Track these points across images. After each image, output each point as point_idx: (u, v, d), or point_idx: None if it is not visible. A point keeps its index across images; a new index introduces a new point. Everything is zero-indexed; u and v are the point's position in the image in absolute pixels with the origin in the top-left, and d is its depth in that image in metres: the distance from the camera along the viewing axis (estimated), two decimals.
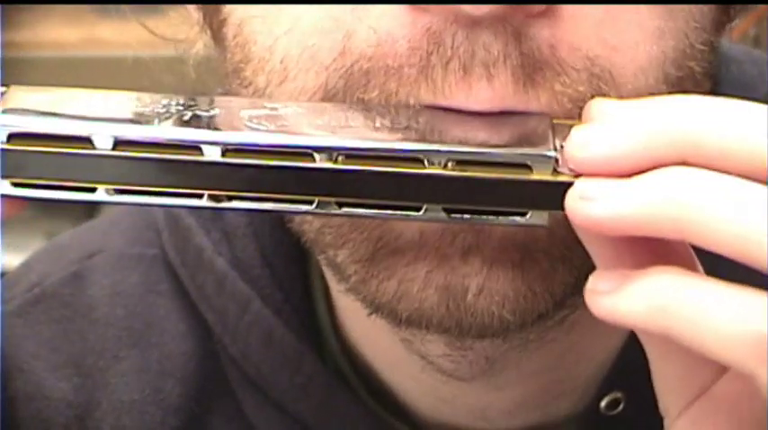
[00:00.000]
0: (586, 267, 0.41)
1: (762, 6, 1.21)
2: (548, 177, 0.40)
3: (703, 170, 0.37)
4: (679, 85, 0.45)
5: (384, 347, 0.58)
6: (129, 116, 0.42)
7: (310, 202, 0.42)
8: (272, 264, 0.60)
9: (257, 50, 0.46)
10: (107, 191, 0.42)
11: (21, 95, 0.42)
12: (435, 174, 0.41)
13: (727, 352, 0.35)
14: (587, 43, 0.43)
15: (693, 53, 0.46)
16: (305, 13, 0.44)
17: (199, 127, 0.41)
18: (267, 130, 0.41)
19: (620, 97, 0.41)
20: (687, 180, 0.37)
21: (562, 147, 0.40)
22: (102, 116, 0.42)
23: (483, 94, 0.42)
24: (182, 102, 0.43)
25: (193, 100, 0.43)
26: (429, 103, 0.43)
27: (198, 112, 0.42)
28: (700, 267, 0.40)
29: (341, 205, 0.42)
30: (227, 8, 0.49)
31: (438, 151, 0.41)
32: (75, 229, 0.69)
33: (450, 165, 0.41)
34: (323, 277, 0.60)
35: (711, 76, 0.49)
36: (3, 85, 0.43)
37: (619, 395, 0.57)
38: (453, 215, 0.42)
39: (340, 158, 0.41)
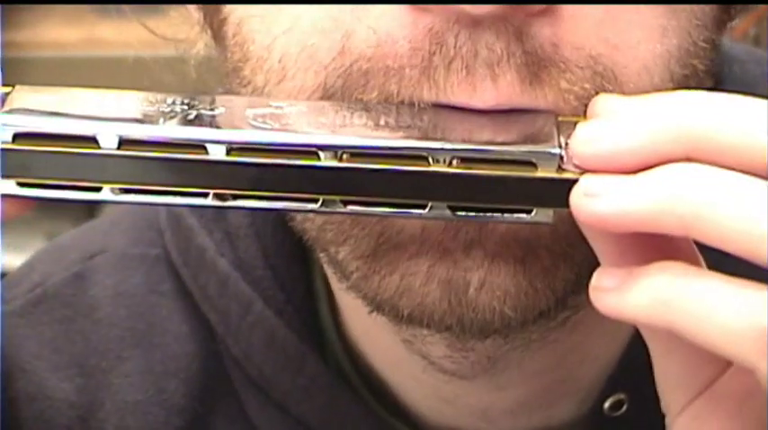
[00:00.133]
0: (588, 264, 0.41)
1: (762, 6, 1.21)
2: (552, 174, 0.40)
3: (708, 166, 0.37)
4: (685, 83, 0.45)
5: (385, 347, 0.58)
6: (134, 115, 0.42)
7: (315, 201, 0.42)
8: (274, 265, 0.60)
9: (255, 49, 0.46)
10: (112, 190, 0.42)
11: (25, 95, 0.42)
12: (440, 172, 0.41)
13: (730, 345, 0.36)
14: (589, 42, 0.43)
15: (697, 51, 0.46)
16: (304, 13, 0.44)
17: (203, 126, 0.41)
18: (272, 129, 0.41)
19: (625, 95, 0.42)
20: (692, 176, 0.37)
21: (567, 144, 0.40)
22: (107, 116, 0.42)
23: (488, 94, 0.42)
24: (186, 101, 0.43)
25: (197, 99, 0.43)
26: (431, 102, 0.43)
27: (202, 111, 0.42)
28: (703, 263, 0.41)
29: (346, 203, 0.42)
30: (228, 7, 0.49)
31: (443, 149, 0.41)
32: (76, 230, 0.69)
33: (454, 162, 0.41)
34: (325, 277, 0.60)
35: (714, 75, 0.49)
36: (7, 85, 0.43)
37: (622, 396, 0.57)
38: (458, 213, 0.42)
39: (345, 157, 0.41)
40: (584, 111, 0.42)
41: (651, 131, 0.38)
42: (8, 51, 1.52)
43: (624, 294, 0.38)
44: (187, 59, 0.58)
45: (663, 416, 0.43)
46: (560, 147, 0.40)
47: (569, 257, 0.46)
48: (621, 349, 0.57)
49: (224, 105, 0.43)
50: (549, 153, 0.40)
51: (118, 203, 0.42)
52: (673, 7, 0.45)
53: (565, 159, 0.40)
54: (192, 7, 0.54)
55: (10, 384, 0.60)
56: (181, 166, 0.41)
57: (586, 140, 0.39)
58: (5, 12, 1.55)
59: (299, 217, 0.50)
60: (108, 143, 0.41)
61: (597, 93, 0.42)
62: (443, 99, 0.43)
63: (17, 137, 0.41)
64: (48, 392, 0.60)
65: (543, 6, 0.42)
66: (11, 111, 0.41)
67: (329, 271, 0.56)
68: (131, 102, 0.43)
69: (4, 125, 0.41)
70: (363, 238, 0.46)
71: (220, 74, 0.52)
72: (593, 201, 0.38)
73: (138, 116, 0.42)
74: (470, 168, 0.41)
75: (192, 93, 0.44)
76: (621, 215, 0.38)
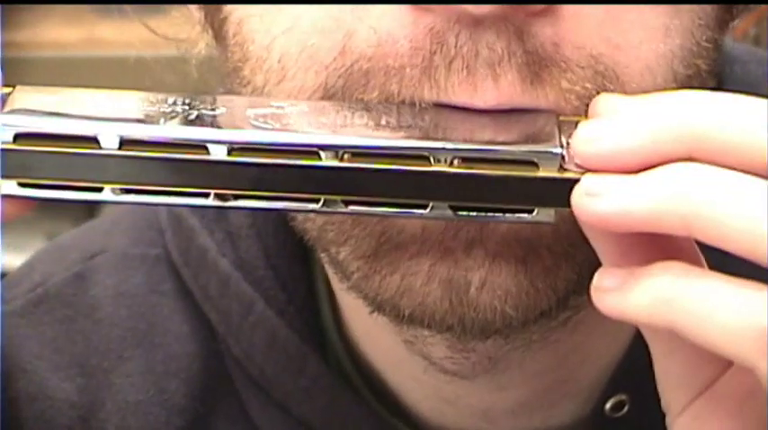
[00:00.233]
0: (589, 265, 0.41)
1: (762, 6, 1.21)
2: (554, 174, 0.40)
3: (710, 166, 0.37)
4: (688, 83, 0.45)
5: (386, 348, 0.58)
6: (135, 116, 0.42)
7: (317, 201, 0.42)
8: (275, 265, 0.60)
9: (255, 49, 0.46)
10: (113, 190, 0.42)
11: (26, 96, 0.42)
12: (441, 172, 0.41)
13: (730, 345, 0.36)
14: (590, 42, 0.43)
15: (700, 51, 0.46)
16: (304, 13, 0.44)
17: (204, 126, 0.41)
18: (273, 129, 0.41)
19: (627, 95, 0.42)
20: (694, 176, 0.37)
21: (568, 144, 0.40)
22: (108, 116, 0.42)
23: (489, 93, 0.42)
24: (187, 101, 0.43)
25: (198, 99, 0.43)
26: (432, 102, 0.43)
27: (203, 111, 0.42)
28: (704, 263, 0.41)
29: (347, 203, 0.42)
30: (228, 7, 0.49)
31: (444, 149, 0.41)
32: (76, 229, 0.69)
33: (456, 162, 0.41)
34: (326, 278, 0.60)
35: (716, 75, 0.49)
36: (8, 85, 0.43)
37: (623, 397, 0.57)
38: (460, 212, 0.42)
39: (346, 156, 0.41)
40: (586, 111, 0.42)
41: (652, 131, 0.38)
42: (8, 51, 1.52)
43: (625, 294, 0.38)
44: (188, 59, 0.58)
45: (664, 417, 0.43)
46: (562, 146, 0.40)
47: (571, 257, 0.46)
48: (623, 350, 0.57)
49: (225, 105, 0.43)
50: (551, 153, 0.40)
51: (119, 203, 0.42)
52: (675, 7, 0.45)
53: (566, 159, 0.40)
54: (192, 7, 0.54)
55: (11, 384, 0.60)
56: (182, 167, 0.41)
57: (588, 140, 0.39)
58: (5, 12, 1.55)
59: (299, 217, 0.50)
60: (109, 143, 0.41)
61: (599, 92, 0.42)
62: (444, 99, 0.43)
63: (18, 137, 0.41)
64: (48, 392, 0.60)
65: (544, 6, 0.42)
66: (12, 112, 0.41)
67: (330, 271, 0.56)
68: (132, 102, 0.43)
69: (5, 125, 0.41)
70: (364, 238, 0.46)
71: (221, 74, 0.52)
72: (595, 200, 0.38)
73: (139, 116, 0.42)
74: (472, 168, 0.41)
75: (193, 93, 0.44)
76: (623, 215, 0.38)
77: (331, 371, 0.59)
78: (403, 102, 0.43)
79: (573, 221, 0.40)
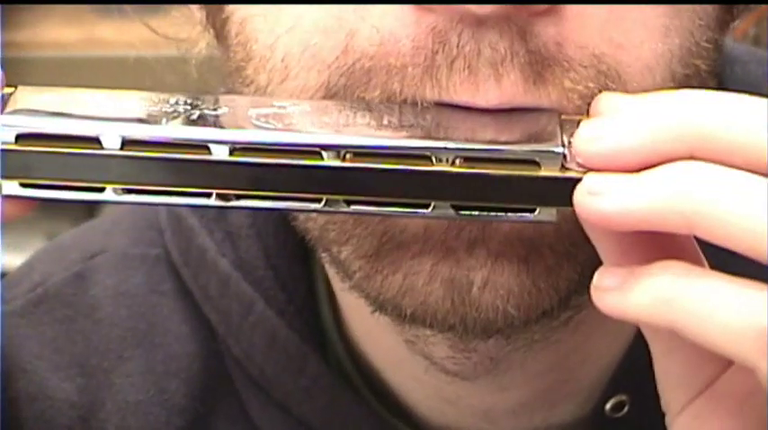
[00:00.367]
0: (591, 264, 0.41)
1: (762, 6, 1.21)
2: (556, 173, 0.40)
3: (711, 164, 0.37)
4: (686, 82, 0.45)
5: (387, 347, 0.57)
6: (137, 116, 0.42)
7: (318, 200, 0.42)
8: (275, 265, 0.60)
9: (258, 49, 0.46)
10: (115, 190, 0.42)
11: (28, 96, 0.42)
12: (443, 172, 0.41)
13: (730, 345, 0.36)
14: (593, 41, 0.43)
15: (699, 51, 0.46)
16: (306, 12, 0.44)
17: (206, 126, 0.41)
18: (275, 129, 0.41)
19: (628, 94, 0.42)
20: (696, 174, 0.37)
21: (570, 143, 0.40)
22: (110, 116, 0.42)
23: (491, 93, 0.42)
24: (189, 101, 0.43)
25: (200, 99, 0.43)
26: (434, 101, 0.43)
27: (205, 111, 0.42)
28: (705, 263, 0.41)
29: (349, 203, 0.42)
30: (230, 7, 0.49)
31: (446, 148, 0.41)
32: (76, 229, 0.69)
33: (457, 162, 0.41)
34: (327, 278, 0.60)
35: (716, 75, 0.49)
36: (9, 85, 0.43)
37: (624, 397, 0.57)
38: (462, 212, 0.42)
39: (348, 156, 0.41)
40: (587, 110, 0.42)
41: (654, 130, 0.38)
42: (8, 51, 1.52)
43: (625, 293, 0.38)
44: (188, 59, 0.58)
45: (664, 418, 0.43)
46: (564, 145, 0.40)
47: (573, 257, 0.46)
48: (623, 350, 0.57)
49: (227, 105, 0.43)
50: (553, 152, 0.40)
51: (121, 204, 0.42)
52: (676, 7, 0.45)
53: (568, 158, 0.40)
54: (194, 7, 0.54)
55: (10, 384, 0.60)
56: (184, 167, 0.41)
57: (589, 139, 0.39)
58: (5, 12, 1.55)
59: (301, 217, 0.50)
60: (111, 143, 0.41)
61: (601, 92, 0.42)
62: (446, 98, 0.43)
63: (20, 137, 0.41)
64: (48, 392, 0.60)
65: (547, 6, 0.42)
66: (13, 112, 0.41)
67: (331, 271, 0.56)
68: (134, 102, 0.43)
69: (7, 126, 0.41)
70: (366, 238, 0.46)
71: (223, 73, 0.52)
72: (597, 199, 0.38)
73: (141, 116, 0.42)
74: (473, 167, 0.41)
75: (195, 92, 0.44)
76: (625, 213, 0.38)
77: (331, 370, 0.59)
78: (405, 101, 0.43)
79: (575, 221, 0.40)
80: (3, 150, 0.41)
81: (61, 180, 0.41)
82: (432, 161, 0.41)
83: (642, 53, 0.44)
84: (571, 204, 0.39)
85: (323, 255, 0.52)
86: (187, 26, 0.56)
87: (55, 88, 0.43)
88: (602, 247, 0.41)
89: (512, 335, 0.51)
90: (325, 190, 0.41)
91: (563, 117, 0.42)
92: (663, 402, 0.43)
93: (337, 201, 0.42)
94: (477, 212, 0.42)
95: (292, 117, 0.42)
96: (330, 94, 0.44)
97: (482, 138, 0.41)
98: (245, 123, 0.42)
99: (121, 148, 0.41)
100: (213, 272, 0.60)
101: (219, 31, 0.51)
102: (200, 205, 0.42)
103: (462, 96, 0.43)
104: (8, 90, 0.42)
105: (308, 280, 0.61)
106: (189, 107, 0.42)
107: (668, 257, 0.38)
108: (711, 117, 0.38)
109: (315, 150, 0.41)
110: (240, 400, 0.60)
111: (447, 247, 0.45)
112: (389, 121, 0.42)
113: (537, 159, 0.40)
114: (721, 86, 0.51)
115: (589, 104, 0.42)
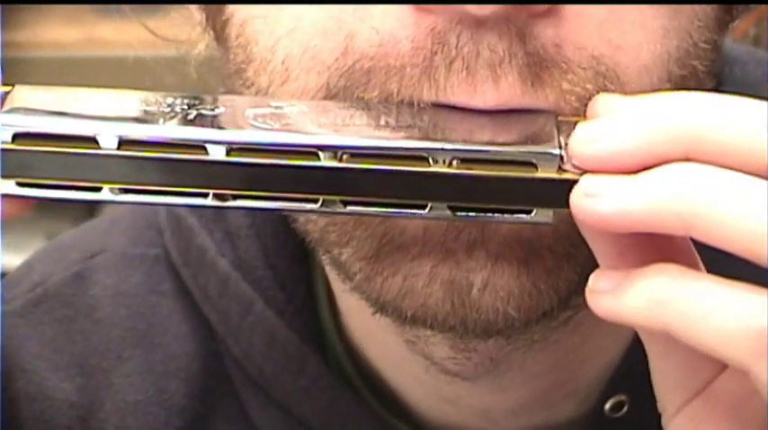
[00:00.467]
0: (590, 265, 0.41)
1: (762, 6, 1.21)
2: (553, 175, 0.40)
3: (708, 166, 0.37)
4: (683, 83, 0.45)
5: (387, 348, 0.57)
6: (134, 115, 0.42)
7: (315, 201, 0.42)
8: (275, 265, 0.60)
9: (259, 51, 0.46)
10: (112, 190, 0.42)
11: (25, 95, 0.42)
12: (440, 173, 0.41)
13: (725, 347, 0.36)
14: (592, 42, 0.43)
15: (697, 52, 0.46)
16: (306, 14, 0.44)
17: (203, 126, 0.41)
18: (272, 129, 0.41)
19: (625, 95, 0.41)
20: (693, 176, 0.37)
21: (567, 144, 0.40)
22: (107, 116, 0.42)
23: (488, 95, 0.42)
24: (186, 101, 0.43)
25: (198, 99, 0.43)
26: (431, 102, 0.43)
27: (203, 111, 0.42)
28: (701, 265, 0.41)
29: (346, 204, 0.42)
30: (230, 8, 0.49)
31: (443, 149, 0.41)
32: (76, 229, 0.69)
33: (454, 163, 0.41)
34: (326, 279, 0.60)
35: (715, 75, 0.49)
36: (7, 84, 0.43)
37: (623, 397, 0.57)
38: (458, 213, 0.42)
39: (345, 157, 0.41)
40: (585, 112, 0.42)
41: (650, 131, 0.38)
42: (8, 51, 1.52)
43: (620, 296, 0.38)
44: (188, 60, 0.58)
45: None
46: (560, 147, 0.40)
47: (572, 258, 0.46)
48: (622, 350, 0.57)
49: (224, 105, 0.43)
50: (550, 153, 0.40)
51: (118, 203, 0.42)
52: (675, 8, 0.45)
53: (565, 159, 0.40)
54: (193, 8, 0.54)
55: (10, 384, 0.60)
56: (181, 167, 0.41)
57: (586, 141, 0.39)
58: (5, 12, 1.55)
59: (301, 218, 0.50)
60: (108, 143, 0.41)
61: (599, 93, 0.42)
62: (443, 99, 0.43)
63: (17, 137, 0.41)
64: (48, 392, 0.60)
65: (546, 7, 0.42)
66: (11, 111, 0.41)
67: (332, 272, 0.56)
68: (131, 102, 0.43)
69: (4, 125, 0.41)
70: (366, 239, 0.46)
71: (221, 74, 0.52)
72: (594, 201, 0.38)
73: (138, 116, 0.42)
74: (470, 169, 0.41)
75: (193, 93, 0.44)
76: (622, 215, 0.38)
77: (331, 371, 0.59)
78: (402, 101, 0.43)
79: (573, 222, 0.40)
80: (0, 149, 0.41)
81: (58, 179, 0.41)
82: (429, 162, 0.41)
83: (640, 54, 0.44)
84: (568, 206, 0.39)
85: (324, 256, 0.52)
86: (186, 27, 0.56)
87: (52, 87, 0.43)
88: (599, 249, 0.41)
89: (512, 335, 0.51)
90: (321, 190, 0.41)
91: (560, 118, 0.42)
92: (659, 404, 0.43)
93: (334, 202, 0.42)
94: (473, 213, 0.42)
95: (290, 117, 0.42)
96: (330, 95, 0.44)
97: (479, 139, 0.41)
98: (243, 123, 0.42)
99: (118, 148, 0.41)
100: (212, 272, 0.60)
101: (219, 33, 0.51)
102: (197, 205, 0.42)
103: (460, 97, 0.43)
104: (5, 89, 0.42)
105: (308, 280, 0.61)
106: (186, 107, 0.42)
107: (664, 259, 0.38)
108: (708, 118, 0.37)
109: (312, 151, 0.41)
110: (239, 400, 0.60)
111: (446, 249, 0.45)
112: (387, 122, 0.42)
113: (534, 161, 0.40)
114: (720, 87, 0.51)
115: (586, 106, 0.42)
